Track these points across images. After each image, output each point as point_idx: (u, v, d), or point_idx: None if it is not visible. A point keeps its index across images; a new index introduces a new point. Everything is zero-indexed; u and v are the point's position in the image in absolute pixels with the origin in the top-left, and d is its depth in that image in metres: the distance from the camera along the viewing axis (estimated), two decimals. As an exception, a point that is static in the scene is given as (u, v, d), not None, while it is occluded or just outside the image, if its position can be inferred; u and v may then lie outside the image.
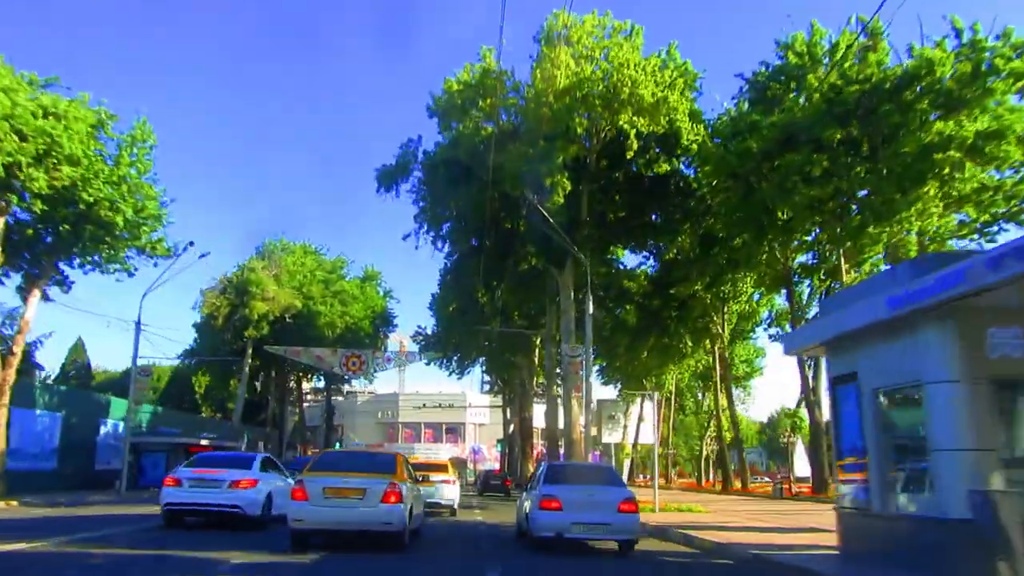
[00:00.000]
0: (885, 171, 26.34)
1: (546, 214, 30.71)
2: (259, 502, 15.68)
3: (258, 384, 63.53)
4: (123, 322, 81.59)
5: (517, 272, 39.41)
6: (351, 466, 12.15)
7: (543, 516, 11.96)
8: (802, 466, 62.80)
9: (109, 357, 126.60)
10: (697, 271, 37.26)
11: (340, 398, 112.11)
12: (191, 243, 33.27)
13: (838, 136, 26.74)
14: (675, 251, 37.43)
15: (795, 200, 25.92)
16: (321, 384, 71.28)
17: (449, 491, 21.52)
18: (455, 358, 54.94)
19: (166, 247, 28.69)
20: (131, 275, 28.77)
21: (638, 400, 69.00)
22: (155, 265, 28.90)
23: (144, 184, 27.31)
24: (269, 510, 15.95)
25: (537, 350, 49.82)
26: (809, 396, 34.89)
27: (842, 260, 31.52)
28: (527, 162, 28.35)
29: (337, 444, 70.82)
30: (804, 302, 36.51)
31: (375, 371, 43.56)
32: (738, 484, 44.99)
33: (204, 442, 40.54)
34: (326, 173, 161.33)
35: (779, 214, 29.70)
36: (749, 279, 41.46)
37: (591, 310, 29.73)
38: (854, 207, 28.75)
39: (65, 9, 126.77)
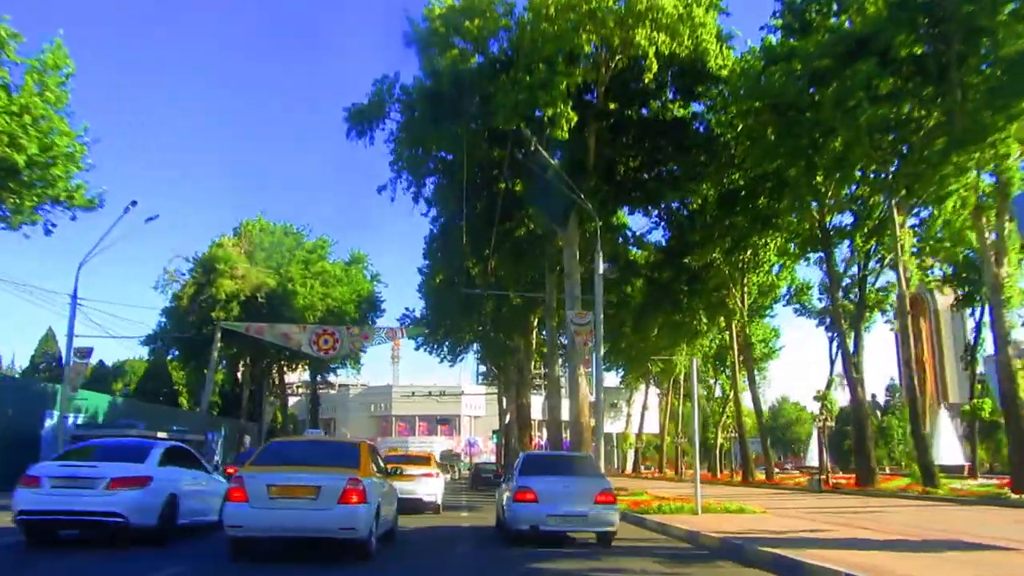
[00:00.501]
0: (959, 93, 20.78)
1: (546, 155, 25.10)
2: (153, 508, 10.65)
3: (239, 374, 57.78)
4: (54, 295, 70.42)
5: (513, 238, 33.78)
6: (304, 459, 9.77)
7: (518, 509, 11.19)
8: (816, 456, 57.21)
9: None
10: (718, 233, 31.62)
11: (332, 391, 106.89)
12: (134, 203, 27.83)
13: (905, 52, 21.13)
14: (695, 207, 31.73)
15: (858, 121, 20.22)
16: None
17: (431, 486, 18.40)
18: (446, 343, 49.56)
19: (87, 197, 22.86)
20: (47, 232, 22.99)
21: (641, 387, 64.13)
22: (73, 219, 23.06)
23: (56, 117, 21.54)
24: (173, 518, 11.21)
25: (534, 333, 44.10)
26: (851, 370, 29.19)
27: (895, 211, 25.96)
28: (524, 90, 22.66)
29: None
30: (842, 269, 30.77)
31: (351, 351, 37.47)
32: (760, 475, 39.29)
33: (161, 435, 35.00)
34: (326, 170, 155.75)
35: (821, 159, 24.06)
36: (772, 245, 35.89)
37: (601, 268, 24.10)
38: (915, 140, 23.14)
39: (65, 9, 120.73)
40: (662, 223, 36.32)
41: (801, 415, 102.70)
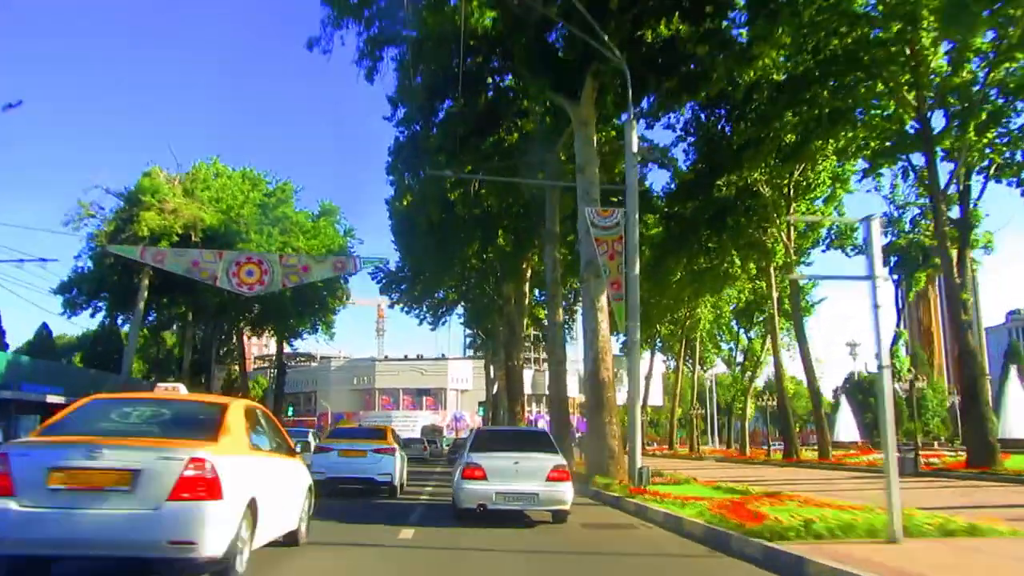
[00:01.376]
0: None
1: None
2: None
3: (198, 336, 48.59)
4: None
5: (502, 151, 24.93)
6: (127, 426, 5.87)
7: (466, 486, 10.11)
8: (846, 430, 48.70)
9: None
10: (771, 133, 22.72)
11: (313, 364, 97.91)
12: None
13: None
14: (738, 102, 22.78)
15: None
16: (302, 348, 57.22)
17: (386, 464, 14.76)
18: (426, 302, 40.88)
19: None
20: None
21: (645, 354, 55.18)
22: None
23: None
24: None
25: (527, 285, 34.96)
26: (958, 311, 20.32)
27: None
28: None
29: (290, 409, 55.94)
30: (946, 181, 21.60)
31: (284, 285, 27.77)
32: (808, 453, 30.50)
33: (55, 399, 26.25)
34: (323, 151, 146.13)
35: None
36: (827, 165, 27.00)
37: (635, 145, 15.21)
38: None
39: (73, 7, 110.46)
40: (688, 139, 27.45)
41: (799, 389, 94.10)
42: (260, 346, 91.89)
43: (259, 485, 6.12)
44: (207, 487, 5.24)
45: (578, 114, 17.96)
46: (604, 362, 16.65)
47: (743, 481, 17.23)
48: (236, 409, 6.38)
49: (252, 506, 5.87)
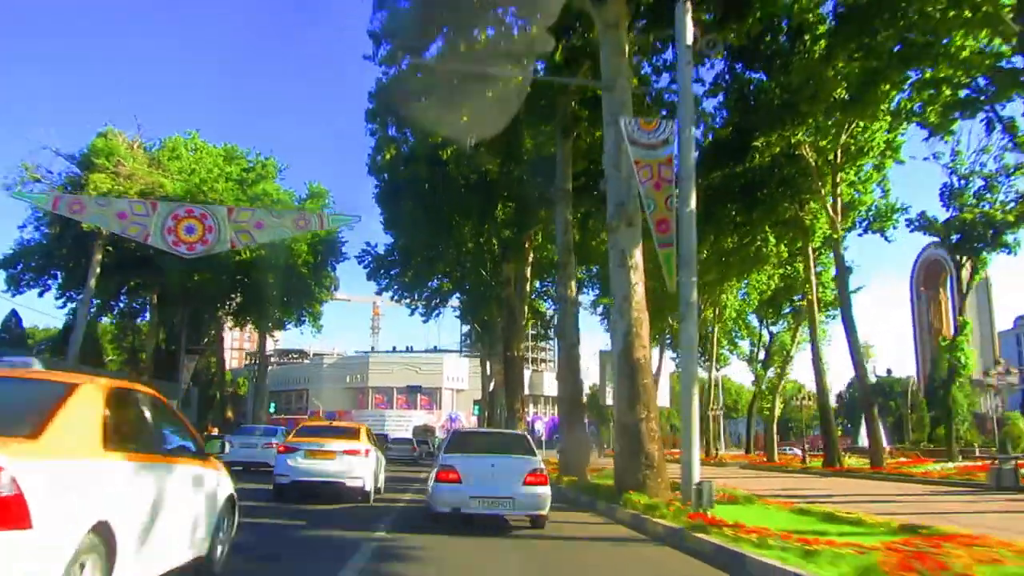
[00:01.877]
0: None
1: None
2: None
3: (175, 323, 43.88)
4: None
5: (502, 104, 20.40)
6: None
7: (440, 489, 9.44)
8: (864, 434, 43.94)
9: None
10: (832, 72, 18.19)
11: (306, 361, 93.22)
12: None
13: None
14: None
15: None
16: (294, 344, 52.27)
17: (358, 467, 12.53)
18: (416, 291, 36.37)
19: None
20: None
21: (653, 350, 50.39)
22: None
23: None
24: None
25: (529, 268, 30.32)
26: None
27: None
28: None
29: (271, 406, 51.12)
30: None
31: (234, 245, 23.02)
32: (852, 460, 25.78)
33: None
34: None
35: None
36: (880, 126, 22.47)
37: (689, 36, 10.64)
38: None
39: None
40: (719, 95, 22.98)
41: (800, 392, 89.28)
42: (251, 342, 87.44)
43: (119, 503, 4.07)
44: (1, 510, 3.22)
45: (604, 15, 13.30)
46: (639, 337, 12.01)
47: (813, 498, 12.73)
48: (89, 393, 4.14)
49: (103, 534, 3.82)
